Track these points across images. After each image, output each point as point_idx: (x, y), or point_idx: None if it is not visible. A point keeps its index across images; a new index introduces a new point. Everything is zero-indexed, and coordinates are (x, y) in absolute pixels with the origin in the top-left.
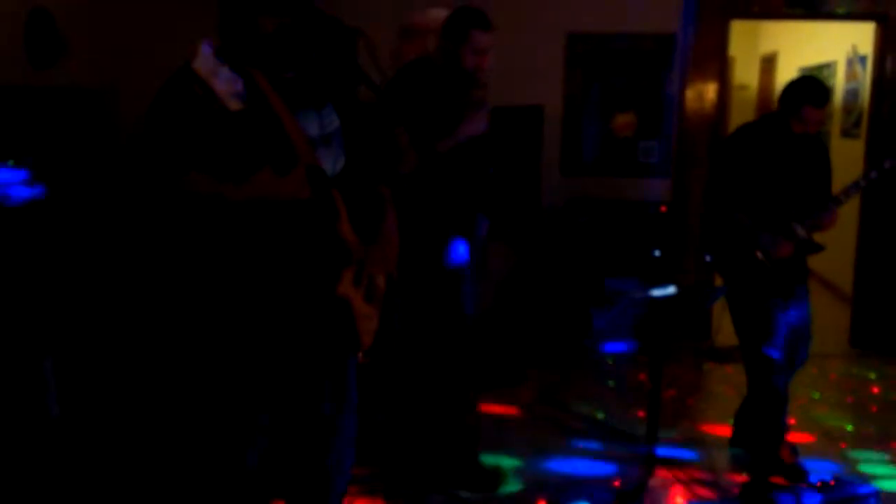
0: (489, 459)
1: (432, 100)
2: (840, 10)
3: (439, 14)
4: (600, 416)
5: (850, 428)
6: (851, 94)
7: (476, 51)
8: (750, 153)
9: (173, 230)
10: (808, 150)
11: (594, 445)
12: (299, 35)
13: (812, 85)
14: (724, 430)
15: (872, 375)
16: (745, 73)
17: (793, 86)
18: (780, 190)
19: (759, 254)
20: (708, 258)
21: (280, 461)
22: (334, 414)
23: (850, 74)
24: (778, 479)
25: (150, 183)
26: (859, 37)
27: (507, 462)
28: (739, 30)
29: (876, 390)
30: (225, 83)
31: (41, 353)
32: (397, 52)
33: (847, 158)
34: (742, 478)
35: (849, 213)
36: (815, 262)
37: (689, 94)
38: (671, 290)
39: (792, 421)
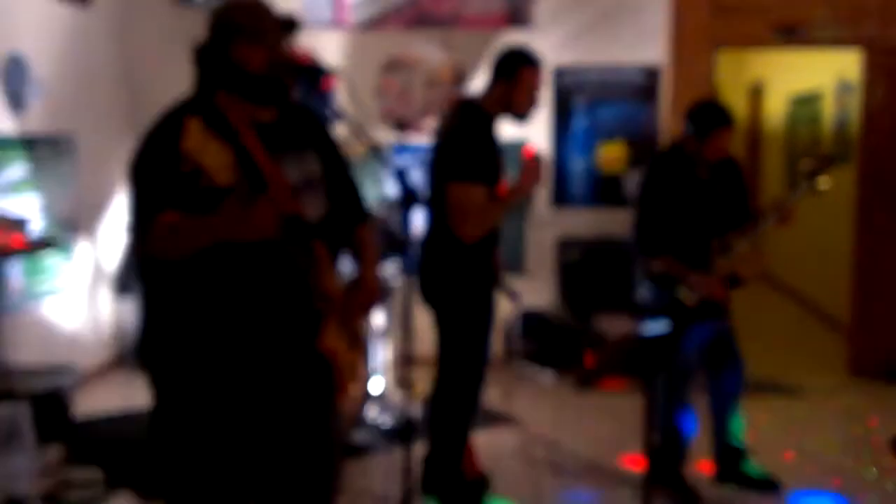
0: None
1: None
2: (825, 37)
3: (422, 49)
4: (596, 456)
5: (849, 461)
6: (841, 122)
7: (528, 89)
8: (667, 187)
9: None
10: (724, 175)
11: (588, 488)
12: (279, 71)
13: (715, 108)
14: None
15: (872, 406)
16: (733, 103)
17: (697, 113)
18: (702, 220)
19: (685, 295)
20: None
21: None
22: (315, 455)
23: (839, 102)
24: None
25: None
26: (846, 65)
27: None
28: (726, 59)
29: (875, 421)
30: (215, 157)
31: None
32: (380, 87)
33: (839, 186)
34: None
35: (842, 236)
36: (808, 288)
37: (677, 124)
38: (663, 326)
39: (789, 454)
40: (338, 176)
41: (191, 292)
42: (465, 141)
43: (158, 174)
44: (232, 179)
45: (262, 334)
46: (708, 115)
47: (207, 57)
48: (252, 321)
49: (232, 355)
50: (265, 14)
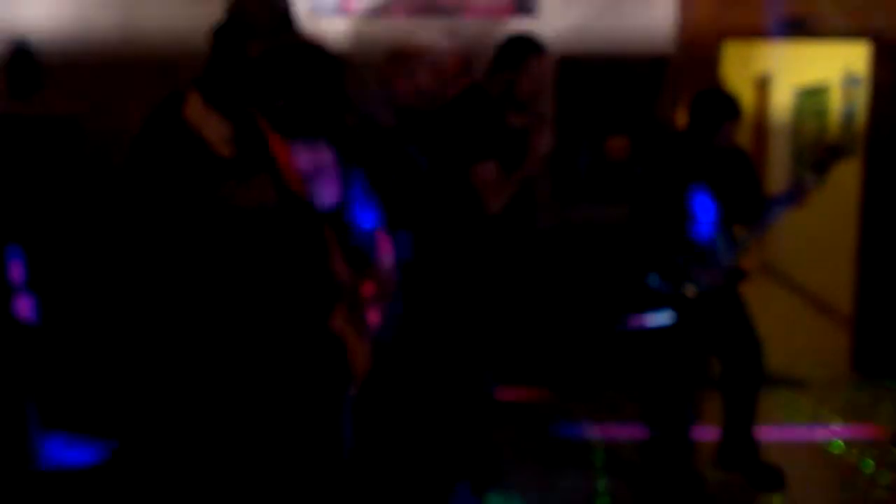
0: None
1: (492, 131)
2: (832, 29)
3: (428, 38)
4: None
5: (850, 455)
6: (847, 115)
7: (533, 78)
8: (670, 179)
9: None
10: (734, 167)
11: (586, 485)
12: (287, 60)
13: (724, 100)
14: None
15: (874, 400)
16: (739, 95)
17: (704, 104)
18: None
19: (689, 289)
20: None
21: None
22: (327, 441)
23: (846, 95)
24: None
25: (139, 221)
26: (853, 58)
27: None
28: (733, 51)
29: (877, 416)
30: (215, 129)
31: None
32: (386, 79)
33: (843, 179)
34: None
35: (845, 230)
36: (811, 282)
37: (682, 116)
38: (667, 317)
39: (791, 447)
40: (352, 161)
41: (198, 274)
42: (470, 123)
43: (163, 144)
44: (232, 152)
45: (272, 317)
46: (716, 107)
47: (218, 42)
48: (261, 303)
49: (241, 338)
50: (266, 8)
